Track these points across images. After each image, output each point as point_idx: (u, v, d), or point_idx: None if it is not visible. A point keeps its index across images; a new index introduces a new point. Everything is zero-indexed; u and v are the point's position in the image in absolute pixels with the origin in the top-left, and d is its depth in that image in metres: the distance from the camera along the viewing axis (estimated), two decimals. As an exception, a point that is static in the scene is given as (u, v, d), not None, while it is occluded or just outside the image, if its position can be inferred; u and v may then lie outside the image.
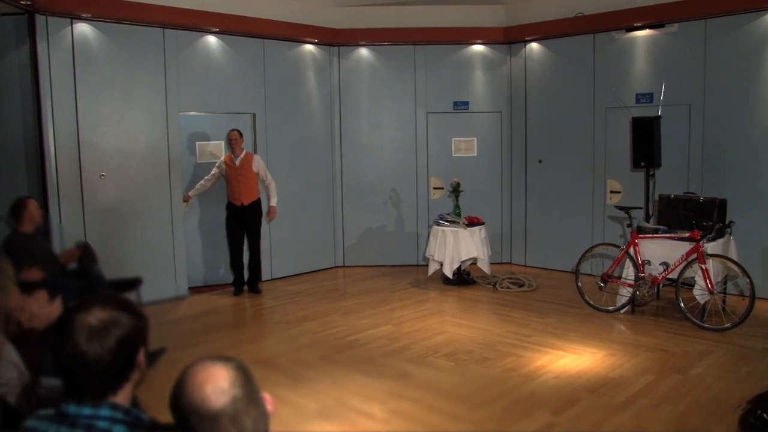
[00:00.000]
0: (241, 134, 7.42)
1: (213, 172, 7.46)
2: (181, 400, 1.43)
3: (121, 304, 1.63)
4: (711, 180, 7.20)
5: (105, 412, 1.52)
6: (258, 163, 7.49)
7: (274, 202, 7.56)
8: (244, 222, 7.44)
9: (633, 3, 7.50)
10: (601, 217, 8.18)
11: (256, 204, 7.49)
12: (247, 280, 7.65)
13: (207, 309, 7.10)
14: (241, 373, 1.47)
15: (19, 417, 2.50)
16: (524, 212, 8.99)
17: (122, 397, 1.61)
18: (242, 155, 7.38)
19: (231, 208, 7.43)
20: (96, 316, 1.56)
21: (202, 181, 7.50)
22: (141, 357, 1.63)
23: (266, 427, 1.49)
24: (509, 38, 8.72)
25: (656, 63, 7.61)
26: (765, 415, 1.29)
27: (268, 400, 1.53)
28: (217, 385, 1.42)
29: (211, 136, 7.86)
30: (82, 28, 6.69)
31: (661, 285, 6.61)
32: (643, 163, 7.17)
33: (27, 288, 4.91)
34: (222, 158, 7.48)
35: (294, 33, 8.21)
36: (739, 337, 5.64)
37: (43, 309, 2.66)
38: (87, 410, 1.52)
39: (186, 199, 7.52)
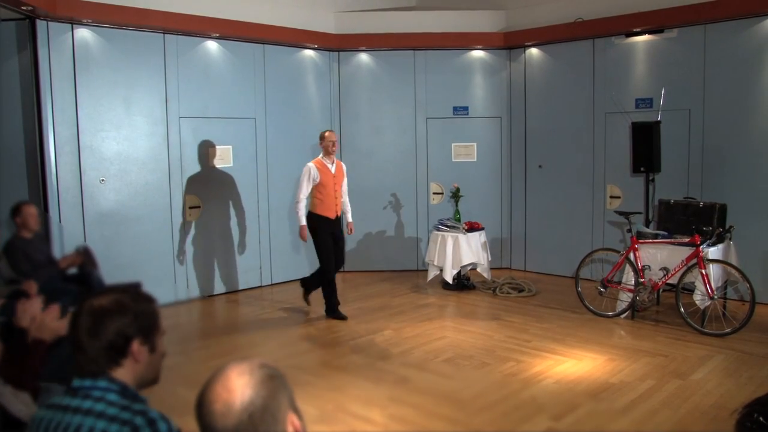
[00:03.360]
0: None
1: (308, 185, 6.49)
2: (198, 402, 1.39)
3: (127, 295, 1.76)
4: (711, 185, 7.21)
5: (102, 383, 1.69)
6: (344, 172, 6.81)
7: (350, 217, 6.89)
8: (335, 237, 6.62)
9: (632, 8, 7.52)
10: (600, 222, 8.18)
11: (341, 217, 6.74)
12: (305, 282, 6.90)
13: (207, 313, 7.10)
14: (261, 398, 1.36)
15: (20, 423, 2.50)
16: (524, 217, 8.99)
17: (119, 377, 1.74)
18: (335, 161, 6.69)
19: (324, 222, 6.51)
20: (99, 301, 1.72)
21: (301, 203, 6.49)
22: (135, 347, 1.73)
23: None
24: (509, 43, 8.74)
25: (656, 68, 7.63)
26: (761, 419, 1.28)
27: (295, 425, 1.42)
28: (226, 404, 1.35)
29: (217, 141, 7.79)
30: (83, 33, 6.71)
31: (661, 290, 6.60)
32: (642, 168, 7.18)
33: (26, 294, 4.91)
34: (311, 165, 6.55)
35: (294, 38, 8.23)
36: (739, 342, 5.63)
37: (54, 323, 2.72)
38: (87, 382, 1.70)
39: (306, 234, 6.56)
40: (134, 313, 1.73)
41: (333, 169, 6.59)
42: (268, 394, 1.38)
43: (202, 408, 1.38)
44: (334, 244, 6.58)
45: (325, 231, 6.51)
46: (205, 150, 7.66)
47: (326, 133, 6.61)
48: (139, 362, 1.74)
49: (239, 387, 1.37)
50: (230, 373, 1.40)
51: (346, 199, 6.80)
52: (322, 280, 6.66)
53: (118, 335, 1.70)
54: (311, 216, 6.52)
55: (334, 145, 6.57)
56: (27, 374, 2.64)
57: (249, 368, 1.41)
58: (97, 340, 1.69)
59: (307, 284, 6.94)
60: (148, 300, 1.80)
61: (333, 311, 6.68)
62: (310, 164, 6.55)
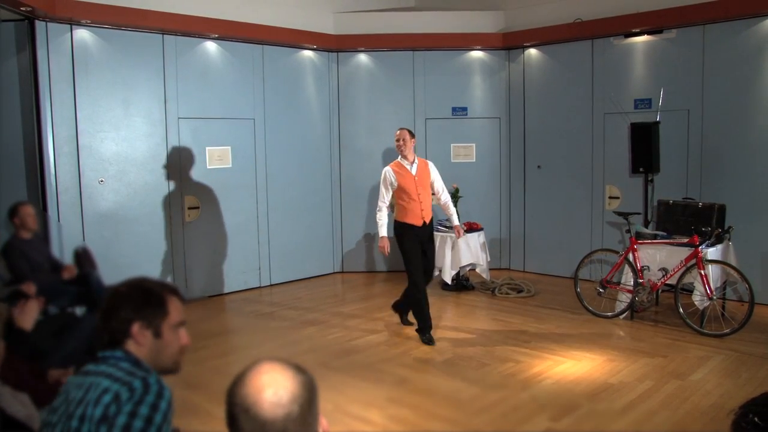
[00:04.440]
0: (412, 134, 6.04)
1: (387, 191, 5.95)
2: (237, 391, 1.38)
3: (138, 284, 1.95)
4: (710, 185, 7.21)
5: (118, 353, 1.88)
6: (435, 172, 6.08)
7: (457, 220, 6.30)
8: (423, 244, 5.96)
9: (631, 9, 7.52)
10: (600, 223, 8.18)
11: (432, 222, 6.08)
12: (396, 305, 6.29)
13: (206, 314, 7.09)
14: (306, 391, 1.40)
15: (19, 424, 2.50)
16: (523, 218, 8.99)
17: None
18: (417, 162, 6.00)
19: (411, 230, 5.87)
20: (117, 288, 1.95)
21: (382, 212, 6.00)
22: (135, 330, 1.88)
23: None
24: (508, 44, 8.74)
25: (654, 69, 7.63)
26: (756, 419, 1.29)
27: (323, 425, 1.46)
28: (277, 393, 1.35)
29: (216, 141, 7.77)
30: (82, 34, 6.71)
31: (660, 290, 6.60)
32: (641, 169, 7.19)
33: (25, 295, 4.91)
34: (387, 169, 5.97)
35: (293, 39, 8.23)
36: (738, 343, 5.63)
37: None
38: (107, 352, 1.90)
39: (386, 246, 5.99)
40: (139, 297, 1.91)
41: (413, 171, 5.91)
42: (311, 389, 1.41)
43: (247, 398, 1.36)
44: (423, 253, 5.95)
45: (411, 241, 5.86)
46: (204, 151, 7.66)
47: (396, 132, 6.03)
48: (142, 345, 1.90)
49: (287, 379, 1.38)
50: (273, 366, 1.41)
51: (445, 200, 6.16)
52: (409, 297, 6.04)
53: (122, 317, 1.89)
54: (396, 225, 5.95)
55: (403, 143, 5.90)
56: (26, 377, 2.64)
57: (288, 365, 1.43)
58: (106, 320, 1.90)
59: (400, 307, 6.37)
60: (164, 287, 1.96)
61: (423, 332, 5.94)
62: (387, 168, 5.96)
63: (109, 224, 6.94)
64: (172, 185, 7.39)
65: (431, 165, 6.12)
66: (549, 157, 8.66)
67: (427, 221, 5.91)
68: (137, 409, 1.71)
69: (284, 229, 8.44)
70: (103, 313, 1.92)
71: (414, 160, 5.95)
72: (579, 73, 8.24)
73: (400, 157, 6.00)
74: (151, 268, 7.14)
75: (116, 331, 1.89)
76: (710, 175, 7.23)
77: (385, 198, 5.97)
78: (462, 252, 7.61)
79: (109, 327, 1.89)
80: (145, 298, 1.92)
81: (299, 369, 1.43)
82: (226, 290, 7.90)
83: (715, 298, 5.89)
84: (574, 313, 6.74)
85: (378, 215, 5.99)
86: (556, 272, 8.60)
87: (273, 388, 1.36)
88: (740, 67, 6.97)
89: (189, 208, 7.55)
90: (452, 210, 6.26)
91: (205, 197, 7.67)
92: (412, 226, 5.85)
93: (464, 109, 8.99)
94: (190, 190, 7.57)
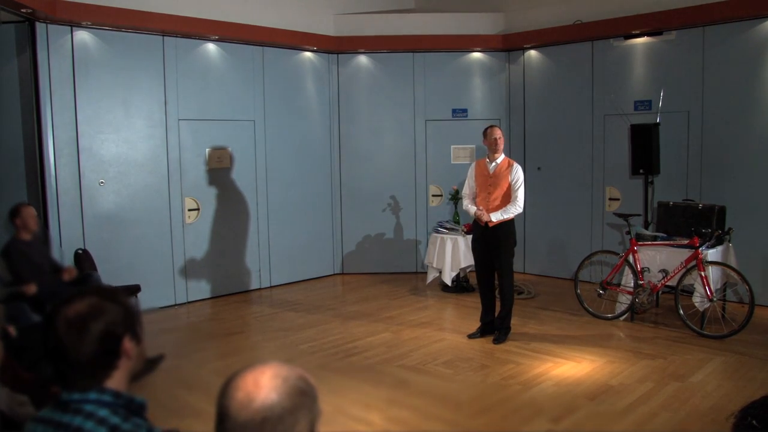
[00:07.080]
0: (501, 132, 6.00)
1: (469, 182, 6.04)
2: (226, 383, 1.39)
3: (103, 294, 1.64)
4: (710, 187, 7.21)
5: (92, 395, 1.57)
6: (516, 174, 5.85)
7: (494, 216, 5.75)
8: (489, 247, 5.89)
9: (631, 11, 7.52)
10: (600, 225, 8.18)
11: (506, 227, 5.87)
12: (491, 320, 6.10)
13: (206, 316, 7.10)
14: (288, 402, 1.34)
15: (18, 425, 2.50)
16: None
17: (114, 384, 1.63)
18: (499, 160, 5.92)
19: (475, 227, 5.98)
20: (75, 308, 1.58)
21: (464, 200, 6.07)
22: (127, 345, 1.62)
23: None
24: (508, 46, 8.75)
25: (654, 70, 7.63)
26: (754, 422, 1.30)
27: None
28: (250, 397, 1.33)
29: (216, 143, 7.77)
30: (82, 36, 6.71)
31: (660, 292, 6.60)
32: (641, 170, 7.19)
33: (25, 296, 4.91)
34: (474, 162, 6.19)
35: (293, 41, 8.24)
36: (738, 345, 5.63)
37: None
38: (76, 395, 1.58)
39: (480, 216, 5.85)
40: (116, 310, 1.62)
41: (491, 169, 5.87)
42: (291, 407, 1.35)
43: (227, 389, 1.37)
44: (490, 254, 5.89)
45: (474, 236, 6.01)
46: (204, 152, 7.66)
47: (488, 130, 5.93)
48: (132, 358, 1.65)
49: (267, 387, 1.35)
50: (267, 370, 1.39)
51: (512, 201, 5.82)
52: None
53: (109, 338, 1.59)
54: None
55: (496, 143, 5.83)
56: (25, 380, 2.65)
57: (287, 374, 1.39)
58: (87, 350, 1.56)
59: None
60: (119, 293, 1.70)
61: (484, 327, 6.09)
62: (474, 162, 6.14)
63: (109, 226, 6.94)
64: (172, 187, 7.39)
65: (515, 168, 5.89)
66: (549, 159, 8.66)
67: (490, 224, 5.78)
68: None
69: (284, 231, 8.44)
70: (77, 344, 1.56)
71: (497, 159, 5.90)
72: (579, 74, 8.24)
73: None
74: (151, 270, 7.14)
75: (105, 357, 1.59)
76: (710, 176, 7.23)
77: (465, 188, 6.06)
78: (462, 253, 7.61)
79: (91, 357, 1.57)
80: (120, 308, 1.64)
81: (295, 382, 1.38)
82: (226, 292, 7.90)
83: (715, 299, 5.89)
84: (575, 314, 6.74)
85: (463, 204, 6.11)
86: (556, 274, 8.60)
87: (248, 391, 1.34)
88: (740, 68, 6.97)
89: (189, 210, 7.55)
90: (505, 210, 5.81)
91: (205, 199, 7.67)
92: (477, 223, 5.92)
93: (464, 110, 8.99)
94: (190, 192, 7.56)
